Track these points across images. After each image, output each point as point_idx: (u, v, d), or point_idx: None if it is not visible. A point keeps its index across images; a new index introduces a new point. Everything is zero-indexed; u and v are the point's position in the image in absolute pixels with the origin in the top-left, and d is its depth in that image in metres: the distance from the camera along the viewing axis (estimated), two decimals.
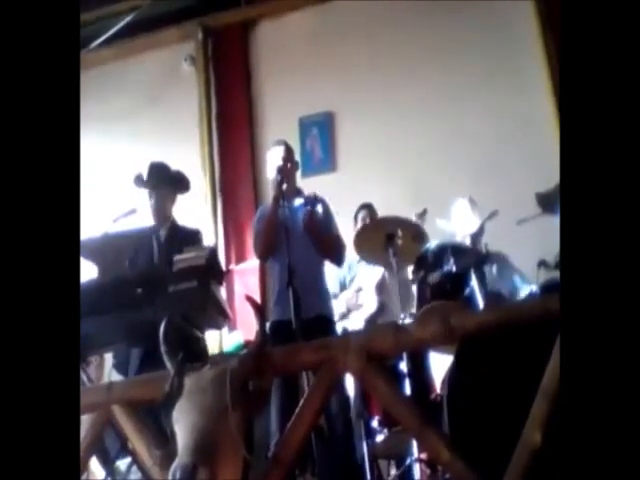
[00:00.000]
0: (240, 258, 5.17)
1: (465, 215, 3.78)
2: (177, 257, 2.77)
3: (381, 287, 3.81)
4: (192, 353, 2.14)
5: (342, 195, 4.32)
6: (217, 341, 4.43)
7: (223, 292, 3.31)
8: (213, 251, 3.03)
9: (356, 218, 4.01)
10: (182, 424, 1.76)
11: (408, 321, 3.00)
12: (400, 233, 3.20)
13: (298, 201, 3.46)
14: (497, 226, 3.69)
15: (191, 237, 3.25)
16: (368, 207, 4.04)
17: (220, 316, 2.89)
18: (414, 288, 3.17)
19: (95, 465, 2.91)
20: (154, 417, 2.05)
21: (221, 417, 1.74)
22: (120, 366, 3.08)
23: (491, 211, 3.68)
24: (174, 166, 3.48)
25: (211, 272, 2.80)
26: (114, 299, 2.73)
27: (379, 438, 3.02)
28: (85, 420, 2.22)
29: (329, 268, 3.50)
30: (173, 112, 5.56)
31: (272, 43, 5.65)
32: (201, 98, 5.58)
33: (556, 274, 2.86)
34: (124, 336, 2.84)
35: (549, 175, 2.58)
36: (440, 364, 3.01)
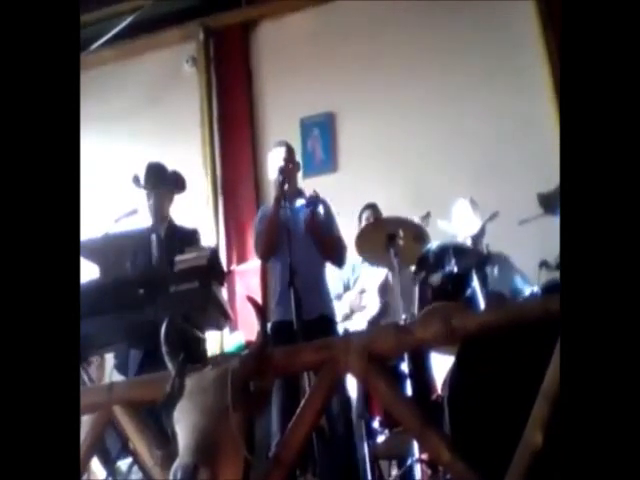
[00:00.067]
0: (241, 259, 5.17)
1: (466, 216, 3.78)
2: (178, 257, 2.77)
3: (384, 288, 3.80)
4: (193, 354, 2.15)
5: (343, 195, 4.32)
6: (218, 342, 4.43)
7: (224, 293, 3.30)
8: (214, 251, 3.03)
9: (360, 218, 3.99)
10: (183, 424, 1.76)
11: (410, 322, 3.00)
12: (401, 233, 3.19)
13: (299, 202, 3.47)
14: (498, 226, 3.69)
15: (189, 237, 3.25)
16: (372, 207, 4.02)
17: (221, 317, 2.89)
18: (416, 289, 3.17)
19: (96, 465, 2.92)
20: (155, 417, 2.05)
21: (222, 417, 1.74)
22: (121, 366, 3.08)
23: (492, 212, 3.68)
24: (176, 167, 3.48)
25: (212, 272, 2.80)
26: (115, 299, 2.73)
27: (380, 439, 3.02)
28: (86, 420, 2.22)
29: (333, 269, 3.50)
30: (174, 112, 5.56)
31: (273, 43, 5.65)
32: (202, 99, 5.58)
33: (557, 275, 2.86)
34: (125, 336, 2.84)
35: (549, 175, 2.58)
36: (441, 365, 3.01)
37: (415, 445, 2.74)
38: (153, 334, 2.04)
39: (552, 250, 2.56)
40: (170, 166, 3.45)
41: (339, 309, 3.63)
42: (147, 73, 5.79)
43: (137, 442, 2.20)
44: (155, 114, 5.59)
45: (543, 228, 3.24)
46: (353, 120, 5.27)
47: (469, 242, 3.66)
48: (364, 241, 3.27)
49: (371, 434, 3.03)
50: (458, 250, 3.10)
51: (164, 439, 1.95)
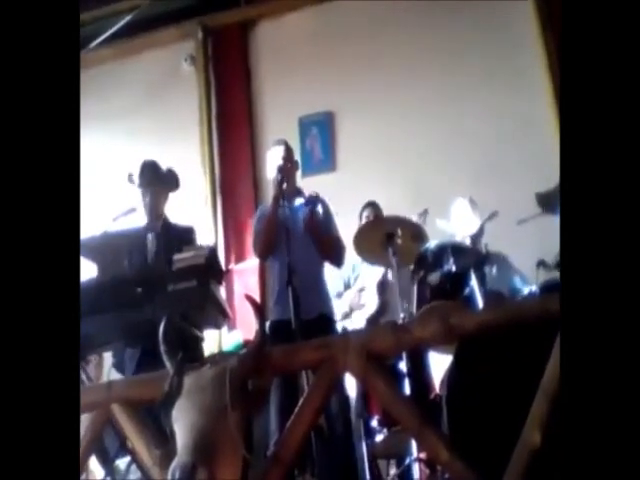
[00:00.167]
0: (240, 257, 5.16)
1: (465, 215, 3.78)
2: (176, 256, 2.77)
3: (382, 286, 3.80)
4: (191, 353, 2.14)
5: (342, 195, 4.32)
6: (216, 340, 4.43)
7: (222, 291, 3.31)
8: (213, 250, 3.03)
9: (361, 216, 3.99)
10: (181, 423, 1.76)
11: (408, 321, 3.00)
12: (400, 232, 3.19)
13: (298, 201, 3.47)
14: (497, 226, 3.69)
15: (185, 234, 3.25)
16: (373, 205, 4.02)
17: (219, 315, 2.89)
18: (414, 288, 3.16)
19: (94, 464, 2.91)
20: (154, 416, 2.04)
21: (220, 416, 1.74)
22: (119, 365, 3.08)
23: (491, 212, 3.68)
24: (174, 165, 3.49)
25: (211, 271, 2.80)
26: (113, 298, 2.73)
27: (378, 438, 3.02)
28: (84, 419, 2.22)
29: (333, 268, 3.50)
30: (173, 111, 5.56)
31: (272, 43, 5.65)
32: (201, 97, 5.58)
33: (555, 274, 2.86)
34: (123, 335, 2.84)
35: (549, 175, 2.58)
36: (439, 364, 3.01)
37: (413, 444, 2.74)
38: (151, 333, 2.04)
39: (550, 249, 2.57)
40: (169, 165, 3.46)
41: (339, 307, 3.63)
42: (146, 72, 5.79)
43: (135, 441, 2.20)
44: (154, 113, 5.58)
45: (541, 227, 3.24)
46: (352, 119, 5.27)
47: (468, 241, 3.66)
48: (362, 240, 3.27)
49: (369, 433, 3.04)
50: (456, 249, 3.10)
51: (162, 438, 1.95)
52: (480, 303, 2.81)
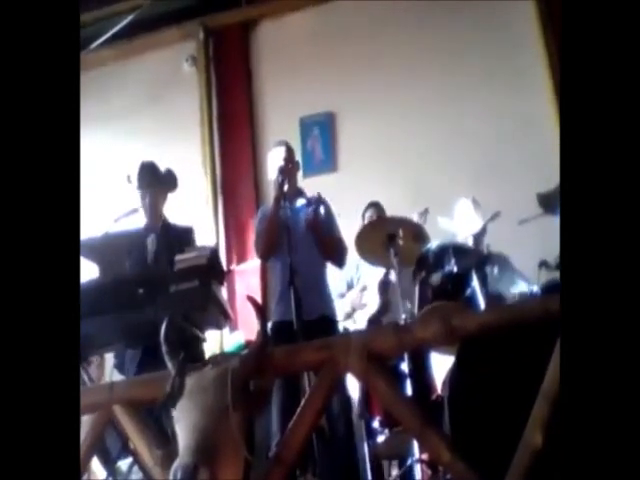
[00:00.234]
0: (241, 258, 5.17)
1: (468, 215, 3.77)
2: (178, 257, 2.77)
3: (383, 286, 3.80)
4: (193, 353, 2.14)
5: (343, 195, 4.32)
6: (218, 341, 4.43)
7: (224, 292, 3.30)
8: (214, 251, 3.03)
9: (363, 217, 3.99)
10: (183, 424, 1.76)
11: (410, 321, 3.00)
12: (401, 233, 3.19)
13: (299, 201, 3.47)
14: (497, 226, 3.68)
15: (184, 234, 3.25)
16: (375, 206, 4.02)
17: (221, 316, 2.89)
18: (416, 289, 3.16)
19: (96, 465, 2.91)
20: (155, 417, 2.05)
21: (222, 417, 1.74)
22: (121, 366, 3.07)
23: (493, 212, 3.68)
24: (175, 166, 3.49)
25: (212, 272, 2.80)
26: (114, 299, 2.73)
27: (380, 438, 3.02)
28: (86, 420, 2.22)
29: (336, 268, 3.50)
30: (174, 112, 5.56)
31: (273, 43, 5.65)
32: (202, 98, 5.58)
33: (557, 275, 2.85)
34: (125, 336, 2.84)
35: (549, 175, 2.58)
36: (441, 365, 3.01)
37: (415, 445, 2.74)
38: (153, 333, 2.04)
39: (552, 250, 2.55)
40: (170, 165, 3.46)
41: (341, 308, 3.63)
42: (147, 72, 5.79)
43: (137, 442, 2.20)
44: (155, 113, 5.58)
45: (543, 228, 3.24)
46: (353, 120, 5.27)
47: (471, 241, 3.65)
48: (364, 241, 3.27)
49: (371, 434, 3.03)
50: (458, 250, 3.10)
51: (164, 439, 1.96)
52: (482, 304, 2.81)
